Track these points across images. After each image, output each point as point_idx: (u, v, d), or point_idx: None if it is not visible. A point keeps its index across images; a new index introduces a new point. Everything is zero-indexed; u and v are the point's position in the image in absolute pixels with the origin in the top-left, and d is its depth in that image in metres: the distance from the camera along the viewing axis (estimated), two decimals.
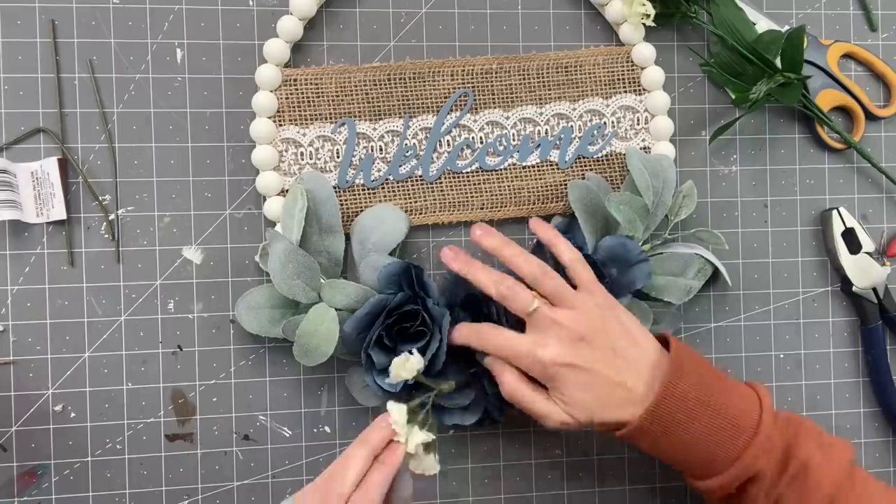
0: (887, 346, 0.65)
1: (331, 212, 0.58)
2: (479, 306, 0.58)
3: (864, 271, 0.65)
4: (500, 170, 0.62)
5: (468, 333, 0.55)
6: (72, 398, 0.59)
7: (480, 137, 0.61)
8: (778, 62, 0.61)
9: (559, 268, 0.55)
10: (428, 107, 0.61)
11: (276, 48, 0.58)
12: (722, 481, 0.51)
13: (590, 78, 0.62)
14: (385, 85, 0.60)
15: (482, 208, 0.62)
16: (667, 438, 0.51)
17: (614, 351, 0.52)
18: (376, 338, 0.56)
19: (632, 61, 0.62)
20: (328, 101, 0.60)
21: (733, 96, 0.63)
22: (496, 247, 0.55)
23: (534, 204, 0.62)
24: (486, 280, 0.54)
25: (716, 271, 0.63)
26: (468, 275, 0.55)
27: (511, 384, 0.53)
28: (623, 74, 0.62)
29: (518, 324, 0.58)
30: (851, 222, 0.65)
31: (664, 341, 0.55)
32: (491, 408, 0.59)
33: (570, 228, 0.61)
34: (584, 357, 0.52)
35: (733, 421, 0.51)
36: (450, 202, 0.61)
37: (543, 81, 0.62)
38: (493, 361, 0.55)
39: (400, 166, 0.61)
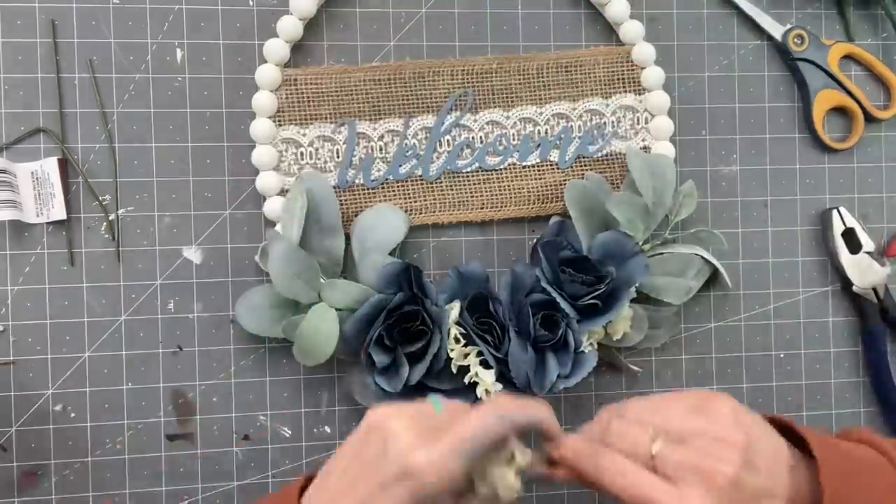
0: (887, 346, 0.65)
1: (331, 212, 0.58)
2: (486, 306, 0.58)
3: (864, 271, 0.65)
4: (500, 170, 0.62)
5: (581, 453, 0.44)
6: (72, 398, 0.59)
7: (480, 137, 0.61)
8: None
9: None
10: (428, 107, 0.61)
11: (276, 48, 0.58)
12: None
13: (590, 78, 0.62)
14: (385, 85, 0.60)
15: (482, 208, 0.62)
16: None
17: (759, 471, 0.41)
18: (376, 338, 0.56)
19: (632, 61, 0.62)
20: (328, 101, 0.60)
21: None
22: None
23: (533, 204, 0.62)
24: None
25: (716, 271, 0.63)
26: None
27: None
28: (623, 74, 0.62)
29: (518, 323, 0.59)
30: (851, 222, 0.65)
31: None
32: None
33: (561, 229, 0.61)
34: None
35: None
36: (450, 202, 0.61)
37: (543, 81, 0.62)
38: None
39: (400, 166, 0.61)
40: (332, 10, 0.61)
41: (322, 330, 0.56)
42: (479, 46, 0.62)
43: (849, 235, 0.65)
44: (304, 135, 0.60)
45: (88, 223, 0.59)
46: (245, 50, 0.60)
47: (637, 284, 0.58)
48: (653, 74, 0.62)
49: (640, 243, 0.60)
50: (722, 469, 0.40)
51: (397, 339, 0.57)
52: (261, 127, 0.59)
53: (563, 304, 0.57)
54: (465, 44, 0.62)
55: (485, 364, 0.57)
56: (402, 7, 0.62)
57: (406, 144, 0.61)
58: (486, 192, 0.62)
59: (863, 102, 0.65)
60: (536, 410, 0.42)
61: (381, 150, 0.60)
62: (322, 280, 0.57)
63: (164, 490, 0.60)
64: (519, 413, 0.41)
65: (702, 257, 0.62)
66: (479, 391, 0.57)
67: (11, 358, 0.58)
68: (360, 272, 0.58)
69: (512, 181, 0.62)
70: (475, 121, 0.61)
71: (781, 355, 0.66)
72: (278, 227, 0.59)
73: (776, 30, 0.65)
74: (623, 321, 0.60)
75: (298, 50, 0.60)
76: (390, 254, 0.59)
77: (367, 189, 0.61)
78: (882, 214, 0.67)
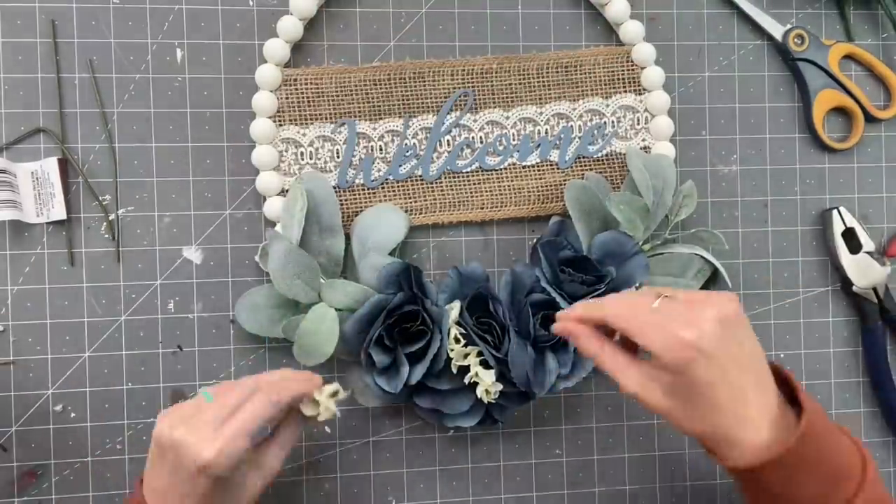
0: (887, 346, 0.65)
1: (331, 212, 0.58)
2: (486, 306, 0.58)
3: (864, 271, 0.65)
4: (500, 170, 0.62)
5: (586, 305, 0.48)
6: (72, 398, 0.59)
7: (480, 137, 0.61)
8: None
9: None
10: (428, 107, 0.61)
11: (276, 48, 0.58)
12: None
13: (590, 78, 0.62)
14: (385, 85, 0.60)
15: (482, 208, 0.62)
16: (779, 490, 0.45)
17: (746, 368, 0.45)
18: (376, 338, 0.56)
19: (632, 61, 0.62)
20: (328, 101, 0.60)
21: None
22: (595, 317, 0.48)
23: (533, 204, 0.62)
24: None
25: (716, 271, 0.63)
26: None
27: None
28: (623, 74, 0.62)
29: (518, 323, 0.58)
30: (851, 222, 0.65)
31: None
32: (492, 408, 0.59)
33: (561, 229, 0.61)
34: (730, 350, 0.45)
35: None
36: (450, 202, 0.61)
37: (543, 81, 0.62)
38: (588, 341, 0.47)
39: (400, 166, 0.61)
40: (332, 10, 0.61)
41: (322, 330, 0.56)
42: (479, 46, 0.62)
43: (849, 235, 0.65)
44: (304, 135, 0.60)
45: (88, 223, 0.59)
46: (245, 50, 0.60)
47: (637, 284, 0.58)
48: (653, 74, 0.62)
49: (640, 243, 0.60)
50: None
51: (397, 339, 0.57)
52: (261, 127, 0.59)
53: (563, 304, 0.57)
54: (465, 44, 0.62)
55: (485, 364, 0.57)
56: (402, 7, 0.62)
57: (406, 144, 0.61)
58: (486, 192, 0.62)
59: (863, 102, 0.65)
60: (299, 385, 0.49)
61: (381, 150, 0.60)
62: (322, 280, 0.57)
63: None
64: (286, 393, 0.48)
65: (702, 257, 0.62)
66: (480, 391, 0.57)
67: (11, 358, 0.58)
68: (360, 272, 0.58)
69: (512, 181, 0.62)
70: (475, 121, 0.61)
71: (781, 355, 0.66)
72: (278, 227, 0.59)
73: (776, 30, 0.65)
74: None
75: (298, 50, 0.60)
76: (390, 254, 0.59)
77: (367, 189, 0.61)
78: (882, 214, 0.67)
